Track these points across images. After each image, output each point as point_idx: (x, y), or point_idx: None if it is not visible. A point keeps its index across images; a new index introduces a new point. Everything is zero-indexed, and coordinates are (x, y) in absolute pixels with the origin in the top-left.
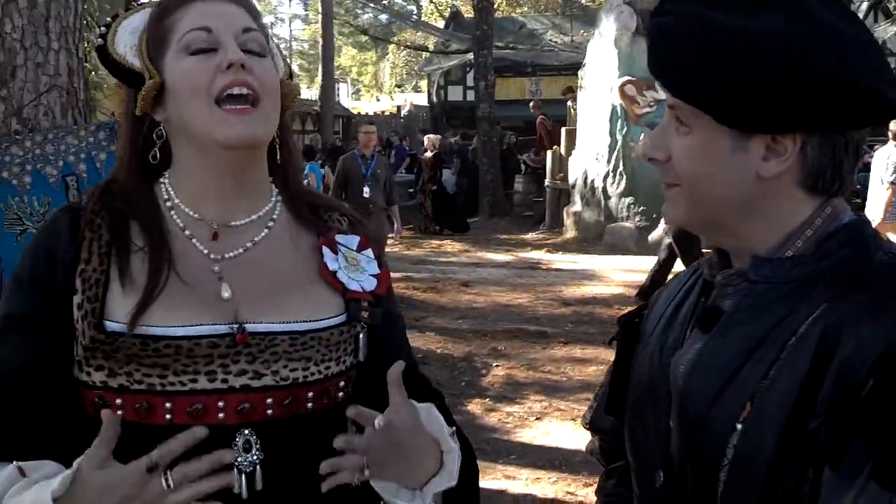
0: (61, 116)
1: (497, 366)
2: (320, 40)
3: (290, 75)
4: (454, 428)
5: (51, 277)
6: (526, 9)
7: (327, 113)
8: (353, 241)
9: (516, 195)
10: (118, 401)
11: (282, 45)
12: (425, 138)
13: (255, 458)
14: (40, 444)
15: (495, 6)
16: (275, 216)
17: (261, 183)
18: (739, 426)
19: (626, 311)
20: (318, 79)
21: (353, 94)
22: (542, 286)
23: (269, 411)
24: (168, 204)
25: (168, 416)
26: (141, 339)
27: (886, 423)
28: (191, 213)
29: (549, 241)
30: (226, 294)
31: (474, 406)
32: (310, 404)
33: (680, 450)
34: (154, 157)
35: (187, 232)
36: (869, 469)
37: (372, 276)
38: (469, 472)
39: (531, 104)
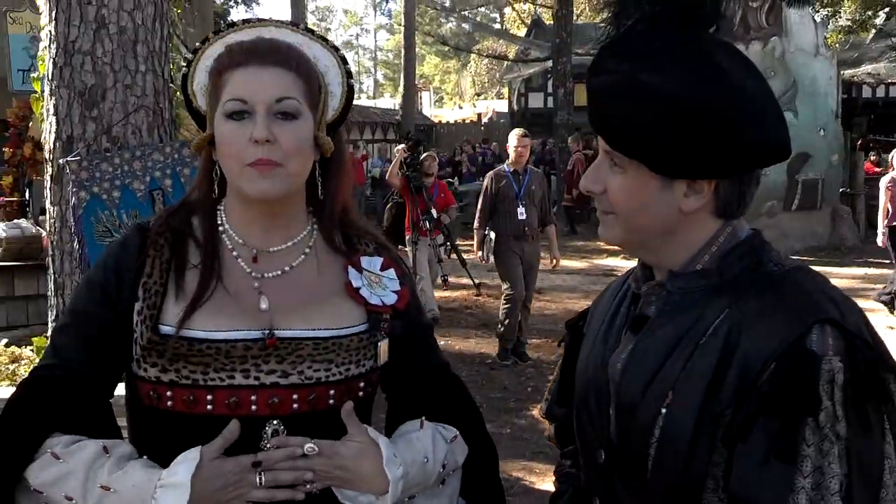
0: (148, 134)
1: None
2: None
3: (347, 107)
4: (456, 433)
5: (118, 287)
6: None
7: (409, 122)
8: (377, 262)
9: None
10: (168, 393)
11: (366, 56)
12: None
13: None
14: (89, 423)
15: (578, 12)
16: (311, 243)
17: (296, 217)
18: (664, 410)
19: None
20: (401, 88)
21: (435, 102)
22: None
23: (296, 405)
24: (221, 228)
25: (209, 407)
26: (188, 340)
27: (781, 408)
28: (237, 238)
29: None
30: (263, 306)
31: (539, 410)
32: (331, 401)
33: (617, 432)
34: (214, 192)
35: (235, 253)
36: (770, 447)
37: (393, 292)
38: (489, 469)
39: (570, 140)
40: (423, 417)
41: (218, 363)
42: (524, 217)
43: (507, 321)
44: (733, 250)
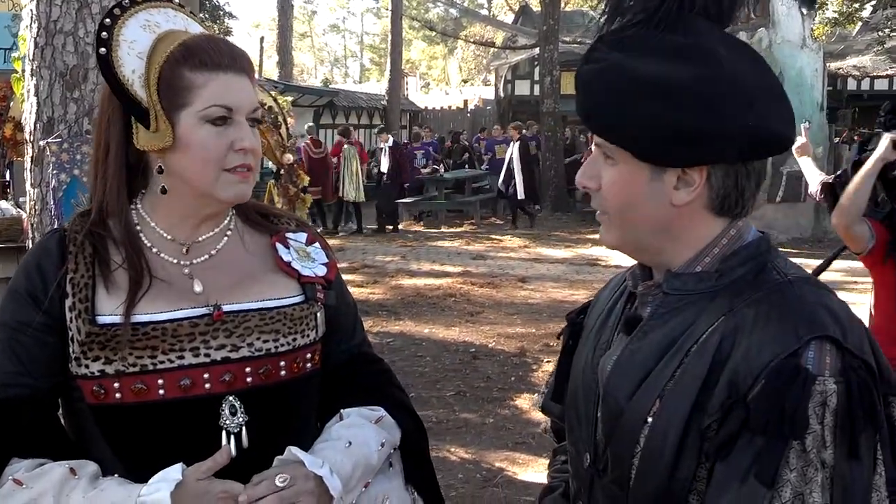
0: None
1: (548, 361)
2: (389, 35)
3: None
4: (382, 414)
5: (44, 287)
6: (596, 2)
7: (395, 107)
8: (302, 236)
9: (579, 191)
10: (116, 384)
11: (353, 40)
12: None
13: (240, 420)
14: (45, 442)
15: (565, 0)
16: (231, 226)
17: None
18: (650, 420)
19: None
20: (388, 73)
21: (422, 87)
22: (599, 283)
23: (249, 379)
24: (138, 227)
25: (161, 392)
26: (131, 325)
27: (766, 427)
28: (164, 234)
29: None
30: (198, 288)
31: (522, 401)
32: (283, 372)
33: (603, 437)
34: (164, 191)
35: (155, 249)
36: (750, 467)
37: (322, 264)
38: (419, 446)
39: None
40: (341, 410)
41: (166, 344)
42: None
43: None
44: (736, 253)
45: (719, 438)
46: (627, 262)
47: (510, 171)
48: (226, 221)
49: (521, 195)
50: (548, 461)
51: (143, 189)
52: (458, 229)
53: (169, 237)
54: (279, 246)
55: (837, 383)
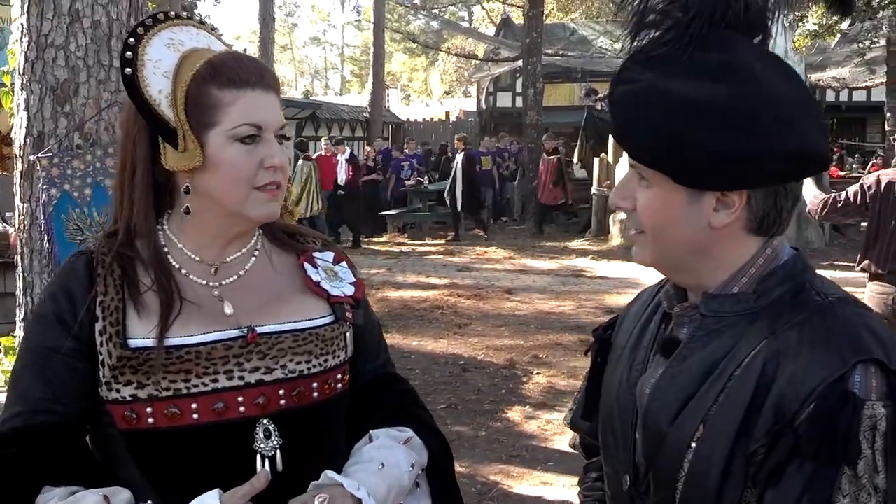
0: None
1: (538, 373)
2: (371, 47)
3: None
4: (410, 435)
5: (73, 311)
6: (577, 15)
7: (377, 119)
8: (329, 256)
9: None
10: (148, 409)
11: (333, 52)
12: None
13: (274, 443)
14: (76, 468)
15: (546, 12)
16: (259, 246)
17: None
18: (694, 444)
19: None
20: (369, 85)
21: (403, 99)
22: (585, 294)
23: (283, 402)
24: (165, 249)
25: (195, 416)
26: (165, 349)
27: (818, 453)
28: (192, 255)
29: (594, 249)
30: (228, 311)
31: (514, 413)
32: (315, 394)
33: (644, 460)
34: (187, 211)
35: (184, 271)
36: (802, 494)
37: (350, 283)
38: (445, 466)
39: (545, 137)
40: (370, 431)
41: (200, 368)
42: None
43: None
44: (773, 274)
45: (769, 465)
46: (612, 273)
47: (454, 182)
48: (253, 241)
49: (459, 207)
50: (542, 474)
51: (168, 209)
52: (443, 241)
53: (197, 258)
54: (307, 266)
55: (885, 406)
